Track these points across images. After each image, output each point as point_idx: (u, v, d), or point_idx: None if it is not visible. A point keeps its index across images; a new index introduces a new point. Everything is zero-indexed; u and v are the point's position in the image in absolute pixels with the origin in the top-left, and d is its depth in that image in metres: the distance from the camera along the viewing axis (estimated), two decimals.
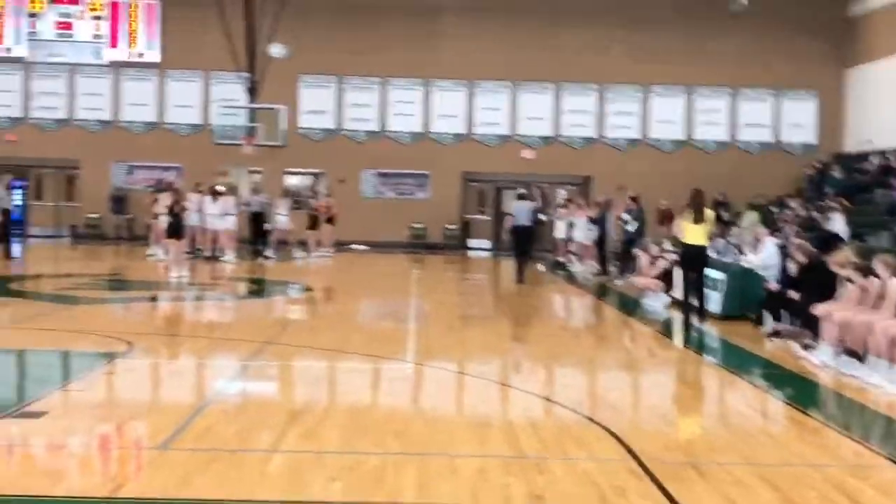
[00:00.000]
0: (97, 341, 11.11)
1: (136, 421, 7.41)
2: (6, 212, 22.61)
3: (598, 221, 22.91)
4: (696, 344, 12.69)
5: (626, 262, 21.46)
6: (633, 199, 22.38)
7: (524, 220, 19.98)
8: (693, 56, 32.15)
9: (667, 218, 29.96)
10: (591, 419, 7.76)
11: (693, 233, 13.36)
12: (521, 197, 20.58)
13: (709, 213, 13.80)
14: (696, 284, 13.47)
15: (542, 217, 25.27)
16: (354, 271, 23.15)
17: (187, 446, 6.64)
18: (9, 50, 31.78)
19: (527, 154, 32.30)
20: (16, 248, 22.83)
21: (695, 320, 13.43)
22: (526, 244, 20.21)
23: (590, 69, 32.01)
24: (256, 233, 26.44)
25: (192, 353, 10.91)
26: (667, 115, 32.40)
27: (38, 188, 33.73)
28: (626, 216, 21.82)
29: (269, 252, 25.26)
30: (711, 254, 14.92)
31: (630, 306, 16.97)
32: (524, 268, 20.04)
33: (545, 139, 32.40)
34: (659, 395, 9.52)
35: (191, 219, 22.31)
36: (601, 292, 19.67)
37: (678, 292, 16.60)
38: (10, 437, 6.81)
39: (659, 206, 29.25)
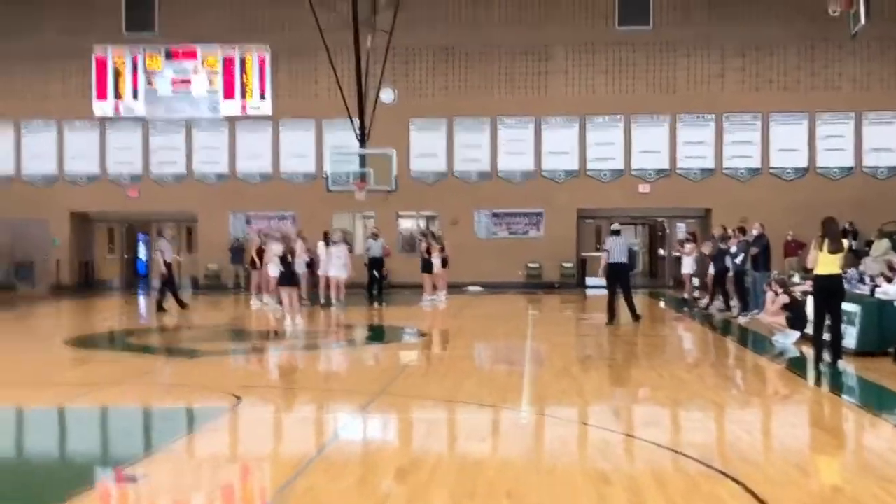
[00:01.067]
0: (207, 396, 10.96)
1: (236, 483, 7.12)
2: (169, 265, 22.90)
3: (716, 255, 22.07)
4: (833, 383, 11.86)
5: (744, 296, 20.56)
6: (741, 230, 21.41)
7: (620, 256, 19.14)
8: (813, 81, 31.16)
9: (792, 249, 29.00)
10: (722, 472, 7.14)
11: (827, 263, 12.51)
12: (614, 232, 19.65)
13: (843, 241, 12.97)
14: (831, 318, 12.59)
15: (662, 252, 24.46)
16: (469, 314, 22.77)
17: None
18: (130, 109, 32.64)
19: (643, 188, 31.59)
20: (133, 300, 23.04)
21: (829, 357, 12.59)
22: (622, 282, 19.33)
23: (705, 99, 31.28)
24: (372, 278, 26.35)
25: (300, 406, 10.65)
26: (788, 142, 31.39)
27: None
28: (733, 248, 20.90)
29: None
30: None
31: (758, 344, 16.15)
32: (631, 306, 19.22)
33: (661, 172, 31.64)
34: (795, 442, 8.80)
35: (300, 266, 22.30)
36: (727, 330, 18.83)
37: (810, 327, 15.75)
38: (105, 501, 6.58)
39: (785, 237, 28.35)
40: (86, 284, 33.29)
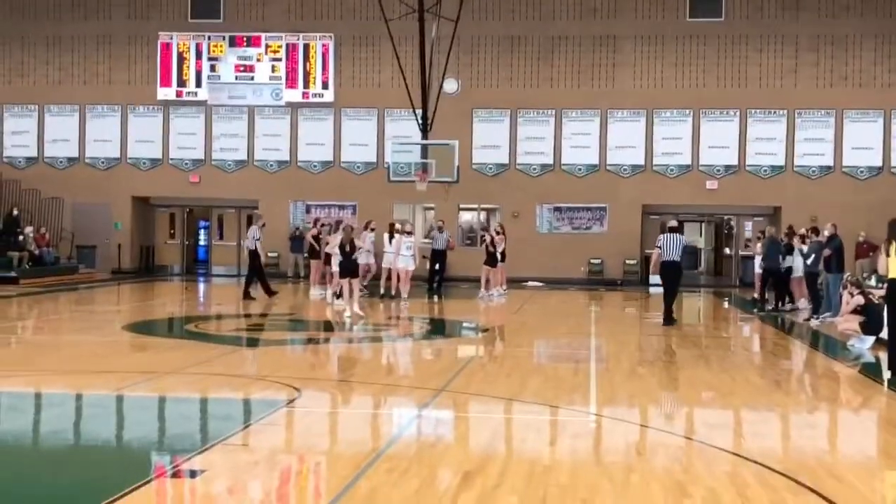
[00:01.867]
0: (266, 387, 10.72)
1: (296, 482, 6.82)
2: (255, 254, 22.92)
3: (767, 252, 21.57)
4: None
5: (816, 298, 19.94)
6: (814, 231, 20.74)
7: (674, 254, 18.28)
8: (890, 78, 30.27)
9: (864, 251, 28.13)
10: (809, 488, 6.69)
11: None
12: (671, 230, 18.70)
13: None
14: None
15: (729, 251, 23.85)
16: (530, 309, 22.36)
17: None
18: (194, 95, 32.65)
19: (710, 184, 30.92)
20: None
21: None
22: (675, 282, 18.50)
23: (777, 94, 30.51)
24: (433, 271, 26.02)
25: (361, 402, 10.35)
26: (862, 140, 30.45)
27: (220, 228, 34.57)
28: (804, 248, 20.24)
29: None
30: None
31: (831, 348, 15.58)
32: (671, 307, 18.36)
33: (730, 168, 30.94)
34: (882, 455, 8.30)
35: (364, 257, 22.20)
36: (797, 332, 18.23)
37: (885, 332, 15.13)
38: (166, 500, 6.30)
39: (856, 238, 27.53)
40: (146, 269, 33.42)
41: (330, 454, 7.84)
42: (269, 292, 22.73)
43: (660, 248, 18.42)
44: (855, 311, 15.64)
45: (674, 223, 19.34)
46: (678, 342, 16.18)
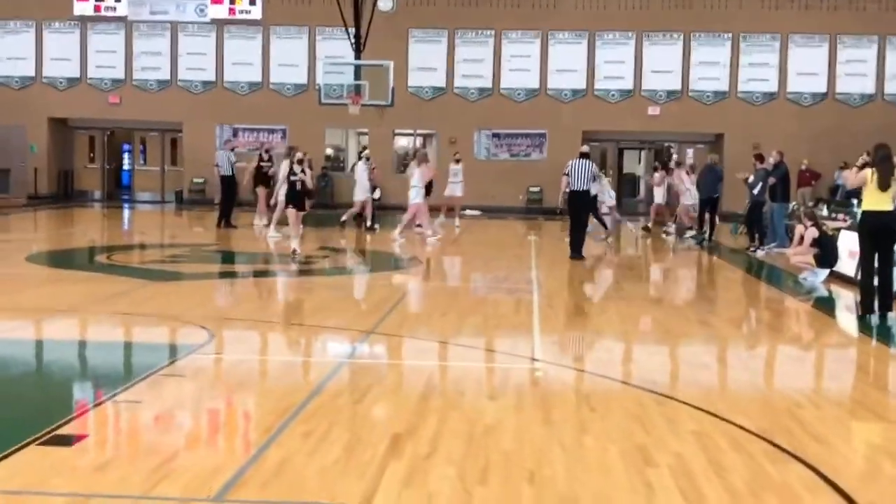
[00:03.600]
0: (175, 329, 9.64)
1: (190, 452, 5.75)
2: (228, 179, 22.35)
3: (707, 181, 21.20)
4: (888, 335, 10.47)
5: (762, 229, 19.28)
6: (758, 158, 19.95)
7: (582, 183, 17.01)
8: (836, 2, 29.41)
9: (807, 179, 27.59)
10: (792, 454, 5.80)
11: (879, 198, 10.87)
12: (582, 155, 17.41)
13: None
14: (880, 262, 11.05)
15: (669, 180, 23.23)
16: (468, 240, 21.40)
17: (251, 496, 4.94)
18: (113, 10, 30.85)
19: (652, 110, 30.04)
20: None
21: (878, 304, 11.06)
22: (584, 211, 17.28)
23: (722, 16, 29.62)
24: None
25: (279, 347, 9.31)
26: (807, 66, 29.76)
27: (143, 151, 33.05)
28: (751, 178, 19.50)
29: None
30: None
31: (778, 280, 14.97)
32: (581, 239, 16.98)
33: (672, 94, 30.05)
34: (861, 409, 7.44)
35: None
36: (746, 265, 17.51)
37: (841, 266, 14.47)
38: (23, 478, 5.19)
39: (799, 166, 26.92)
40: (65, 195, 31.79)
41: (238, 414, 6.77)
42: (227, 223, 21.98)
43: (567, 175, 17.11)
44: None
45: (584, 148, 18.23)
46: (623, 274, 15.37)
